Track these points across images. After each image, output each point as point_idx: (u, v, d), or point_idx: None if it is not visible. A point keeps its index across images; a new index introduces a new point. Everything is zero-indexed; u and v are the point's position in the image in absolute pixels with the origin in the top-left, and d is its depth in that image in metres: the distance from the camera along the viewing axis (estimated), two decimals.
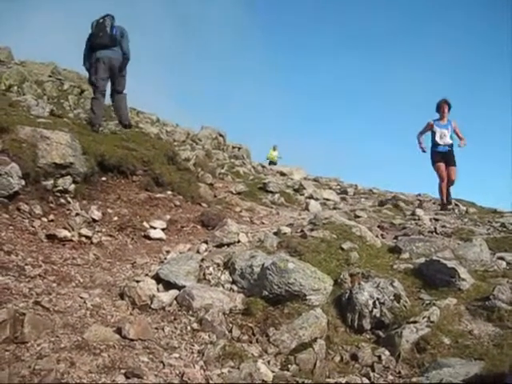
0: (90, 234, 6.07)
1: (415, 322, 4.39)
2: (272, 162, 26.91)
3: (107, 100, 10.02)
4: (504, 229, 8.07)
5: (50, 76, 14.86)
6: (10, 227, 5.51)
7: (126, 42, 9.16)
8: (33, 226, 5.76)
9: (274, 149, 28.64)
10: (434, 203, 12.63)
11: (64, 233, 5.80)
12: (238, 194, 10.94)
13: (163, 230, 6.86)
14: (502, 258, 6.06)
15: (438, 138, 10.66)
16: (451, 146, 10.72)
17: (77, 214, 6.37)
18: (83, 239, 5.94)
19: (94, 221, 6.48)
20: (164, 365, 3.67)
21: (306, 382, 3.76)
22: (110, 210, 6.87)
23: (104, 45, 8.88)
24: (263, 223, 8.43)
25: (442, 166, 10.57)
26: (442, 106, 10.82)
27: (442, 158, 10.63)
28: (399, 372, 3.98)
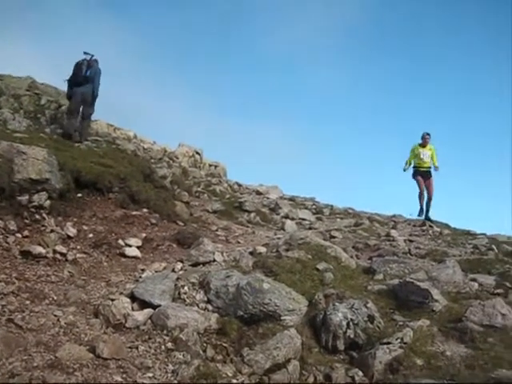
0: (64, 250, 6.02)
1: (388, 343, 4.44)
2: (421, 170, 12.65)
3: None
4: (476, 250, 8.22)
5: (27, 90, 14.71)
6: None
7: (97, 81, 11.39)
8: (7, 242, 5.71)
9: (424, 144, 12.68)
10: (408, 224, 12.78)
11: (38, 249, 5.74)
12: (214, 212, 10.93)
13: (139, 248, 6.82)
14: (474, 280, 6.17)
15: None
16: None
17: (52, 231, 6.32)
18: (58, 256, 5.88)
19: (69, 237, 6.42)
20: None
21: None
22: (85, 227, 6.82)
23: (79, 82, 11.25)
24: (239, 242, 8.43)
25: None
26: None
27: None
28: None
